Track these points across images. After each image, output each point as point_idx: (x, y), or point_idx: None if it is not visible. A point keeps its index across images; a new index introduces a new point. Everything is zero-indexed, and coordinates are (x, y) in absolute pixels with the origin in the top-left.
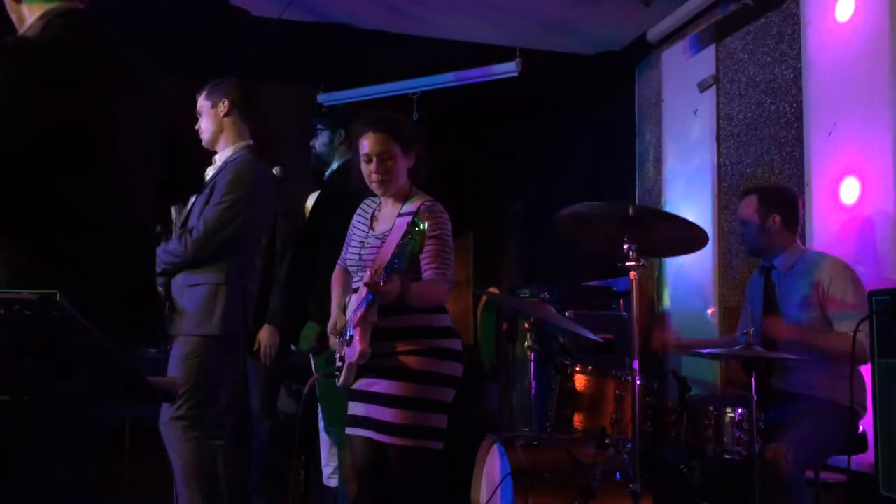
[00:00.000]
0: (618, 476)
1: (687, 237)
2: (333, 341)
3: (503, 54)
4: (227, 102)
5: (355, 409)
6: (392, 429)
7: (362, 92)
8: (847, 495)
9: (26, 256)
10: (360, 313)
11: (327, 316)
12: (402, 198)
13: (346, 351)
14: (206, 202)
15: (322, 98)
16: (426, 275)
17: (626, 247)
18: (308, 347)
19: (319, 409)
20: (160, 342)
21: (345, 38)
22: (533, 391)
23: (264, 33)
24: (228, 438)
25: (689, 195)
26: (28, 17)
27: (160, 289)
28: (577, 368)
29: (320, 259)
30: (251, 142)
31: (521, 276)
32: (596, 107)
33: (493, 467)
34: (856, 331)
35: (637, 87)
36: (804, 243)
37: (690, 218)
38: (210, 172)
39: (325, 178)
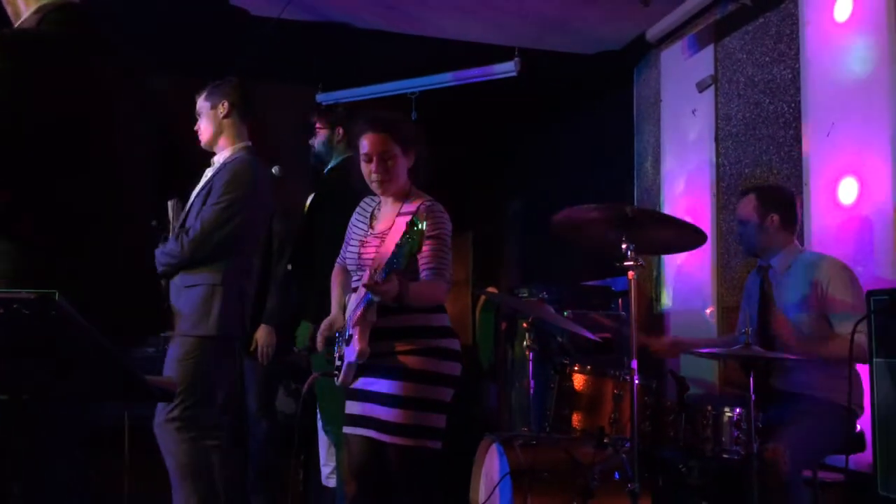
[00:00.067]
0: (616, 475)
1: (685, 237)
2: (320, 341)
3: (502, 54)
4: (226, 104)
5: (353, 408)
6: (392, 428)
7: (361, 91)
8: (845, 495)
9: (26, 256)
10: (359, 313)
11: (322, 315)
12: (402, 197)
13: (345, 350)
14: (204, 203)
15: (321, 97)
16: (424, 275)
17: (623, 246)
18: (303, 346)
19: (318, 408)
20: (160, 333)
21: (343, 38)
22: (531, 391)
23: (263, 33)
24: (225, 439)
25: (688, 195)
26: (24, 10)
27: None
28: (576, 368)
29: (316, 257)
30: (250, 143)
31: (519, 276)
32: (595, 106)
33: (491, 467)
34: (854, 331)
35: (636, 86)
36: (802, 243)
37: (689, 218)
38: (209, 173)
39: (321, 176)
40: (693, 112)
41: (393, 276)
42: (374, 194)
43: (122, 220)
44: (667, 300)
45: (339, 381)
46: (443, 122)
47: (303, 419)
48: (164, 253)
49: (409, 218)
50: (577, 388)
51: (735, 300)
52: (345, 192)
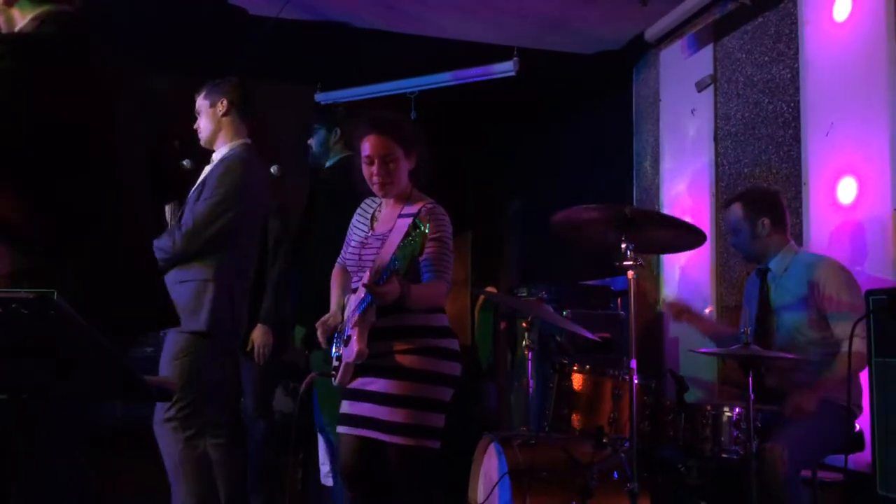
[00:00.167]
0: (615, 475)
1: (684, 237)
2: (321, 335)
3: (501, 54)
4: (225, 102)
5: (350, 407)
6: (392, 428)
7: (360, 91)
8: (844, 494)
9: (26, 256)
10: (358, 314)
11: (316, 316)
12: (403, 199)
13: (343, 350)
14: (198, 198)
15: (319, 97)
16: (425, 277)
17: (623, 246)
18: (299, 346)
19: (316, 407)
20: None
21: (342, 37)
22: (531, 390)
23: (262, 32)
24: (226, 437)
25: (687, 195)
26: (19, 21)
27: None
28: (575, 367)
29: (315, 257)
30: (248, 140)
31: (518, 276)
32: (594, 106)
33: (490, 466)
34: (853, 331)
35: (635, 86)
36: (800, 243)
37: (688, 218)
38: (206, 170)
39: (318, 175)
40: (692, 112)
41: (394, 277)
42: (375, 195)
43: (122, 220)
44: (666, 300)
45: (336, 381)
46: (442, 122)
47: (301, 419)
48: (157, 248)
49: (410, 220)
50: (576, 387)
51: (734, 300)
52: (343, 192)
